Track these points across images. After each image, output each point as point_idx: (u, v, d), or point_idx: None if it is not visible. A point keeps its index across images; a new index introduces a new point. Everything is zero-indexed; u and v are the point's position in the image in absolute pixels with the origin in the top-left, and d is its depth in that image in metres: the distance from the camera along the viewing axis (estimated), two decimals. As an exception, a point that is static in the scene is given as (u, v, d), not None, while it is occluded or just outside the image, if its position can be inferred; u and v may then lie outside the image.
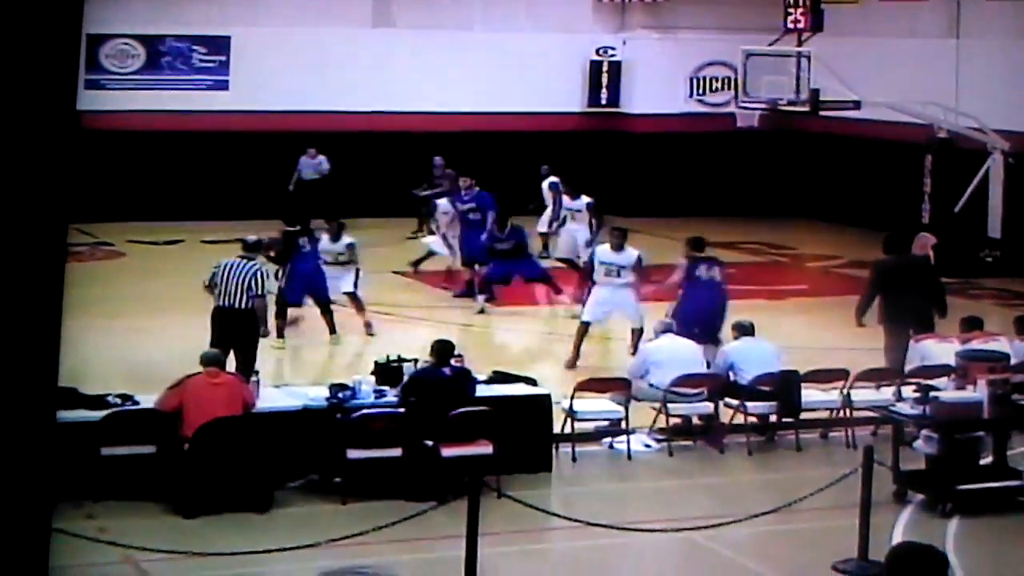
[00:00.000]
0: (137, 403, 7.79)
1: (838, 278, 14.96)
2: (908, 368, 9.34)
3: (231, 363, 8.81)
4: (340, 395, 8.00)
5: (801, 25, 16.19)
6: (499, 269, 13.02)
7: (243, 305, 9.31)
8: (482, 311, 12.88)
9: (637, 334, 10.69)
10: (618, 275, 10.82)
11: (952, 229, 15.26)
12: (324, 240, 11.93)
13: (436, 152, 18.24)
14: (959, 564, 6.82)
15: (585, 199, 14.48)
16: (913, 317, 10.17)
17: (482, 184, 16.82)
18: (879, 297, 10.49)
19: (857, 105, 15.80)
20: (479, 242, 13.40)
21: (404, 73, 18.77)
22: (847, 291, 13.14)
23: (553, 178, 15.77)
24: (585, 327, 10.89)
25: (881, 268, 10.81)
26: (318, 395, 8.07)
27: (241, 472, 7.44)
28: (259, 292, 9.34)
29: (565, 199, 14.61)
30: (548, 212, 15.71)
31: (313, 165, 17.63)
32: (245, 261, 9.46)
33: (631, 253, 10.99)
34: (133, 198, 17.74)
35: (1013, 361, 8.87)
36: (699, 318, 10.17)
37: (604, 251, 11.05)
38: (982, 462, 8.08)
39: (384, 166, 18.25)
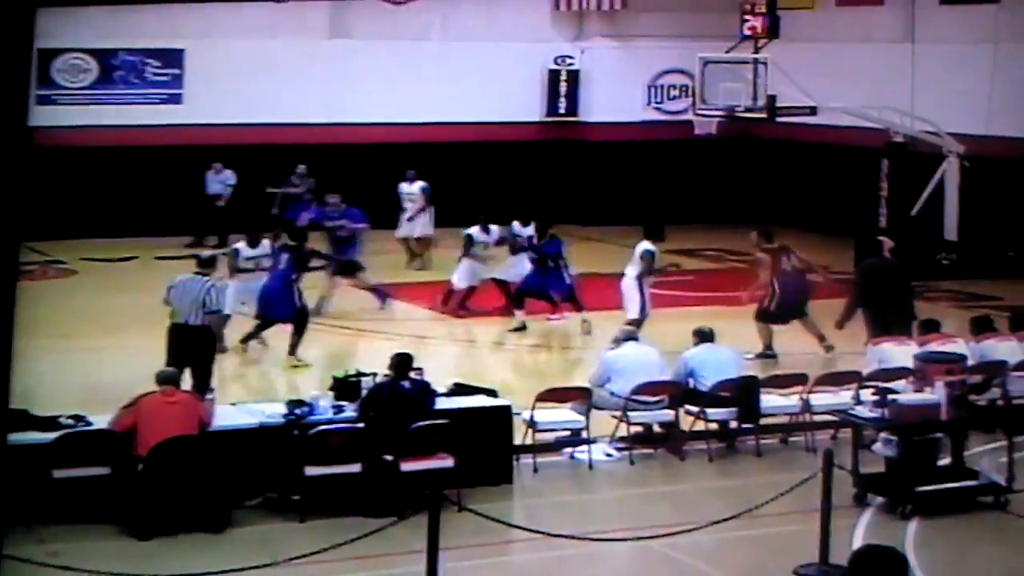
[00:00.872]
0: (90, 424, 7.71)
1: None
2: (866, 371, 9.46)
3: (187, 381, 8.75)
4: (297, 411, 7.97)
5: (757, 32, 16.35)
6: (535, 282, 12.80)
7: (197, 322, 9.25)
8: (523, 327, 12.57)
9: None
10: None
11: (909, 232, 15.47)
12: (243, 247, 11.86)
13: (393, 163, 18.22)
14: (919, 565, 6.90)
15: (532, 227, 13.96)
16: (898, 318, 10.36)
17: (443, 195, 16.85)
18: (864, 300, 10.73)
19: (814, 111, 15.99)
20: (349, 255, 13.32)
21: (362, 84, 18.75)
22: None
23: (422, 182, 15.99)
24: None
25: (867, 271, 11.01)
26: (275, 412, 8.03)
27: (197, 492, 7.39)
28: (214, 308, 9.28)
29: (515, 225, 14.33)
30: (411, 216, 15.74)
31: (219, 180, 17.52)
32: (199, 277, 9.41)
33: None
34: (86, 215, 17.56)
35: (970, 363, 9.01)
36: (795, 304, 11.48)
37: (657, 249, 12.16)
38: (940, 463, 8.19)
39: (342, 178, 18.18)
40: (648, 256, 12.05)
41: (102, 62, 17.89)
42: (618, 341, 9.44)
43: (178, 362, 8.89)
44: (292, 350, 11.21)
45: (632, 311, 11.90)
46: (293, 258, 11.38)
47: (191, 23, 18.14)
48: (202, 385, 8.83)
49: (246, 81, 18.11)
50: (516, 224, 14.25)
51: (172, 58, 18.15)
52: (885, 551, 3.83)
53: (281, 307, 11.21)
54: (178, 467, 7.38)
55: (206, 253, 10.06)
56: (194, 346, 9.23)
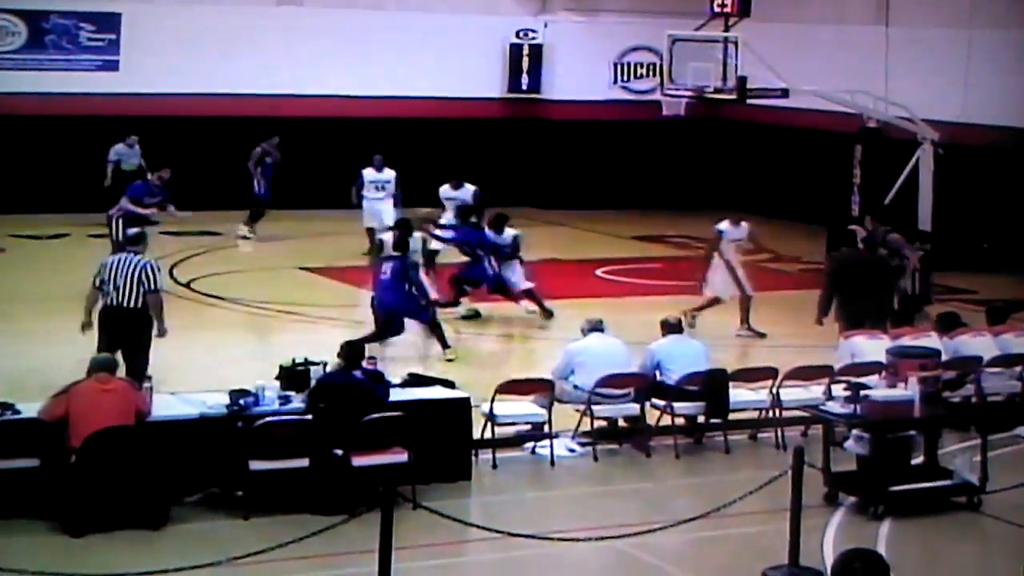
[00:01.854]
0: (19, 412, 7.57)
1: (766, 273, 15.19)
2: (838, 366, 9.53)
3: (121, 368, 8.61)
4: (241, 402, 7.86)
5: (728, 9, 16.37)
6: (476, 272, 12.58)
7: (133, 304, 9.11)
8: (476, 314, 12.45)
9: (749, 301, 12.34)
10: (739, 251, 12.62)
11: (882, 221, 15.62)
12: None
13: (343, 139, 18.09)
14: (891, 567, 6.96)
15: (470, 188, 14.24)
16: (872, 312, 10.43)
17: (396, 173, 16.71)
18: (836, 293, 10.82)
19: (785, 93, 16.06)
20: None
21: (311, 55, 18.57)
22: (775, 286, 13.43)
23: (391, 170, 15.89)
24: (717, 301, 12.40)
25: (839, 263, 11.09)
26: (217, 402, 7.92)
27: (134, 486, 7.27)
28: (152, 287, 9.14)
29: (445, 189, 14.18)
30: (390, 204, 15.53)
31: (134, 154, 17.25)
32: (132, 255, 9.26)
33: (745, 227, 12.67)
34: (13, 189, 17.25)
35: (943, 358, 9.12)
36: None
37: (729, 228, 12.53)
38: (913, 462, 8.28)
39: (289, 154, 18.01)
40: (715, 234, 12.55)
41: (32, 25, 17.54)
42: (583, 332, 9.43)
43: (111, 347, 8.76)
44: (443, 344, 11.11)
45: (722, 293, 12.39)
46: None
47: (129, -15, 17.85)
48: (138, 372, 8.70)
49: (186, 49, 17.85)
50: (446, 187, 14.09)
51: (108, 22, 17.85)
52: (869, 554, 3.91)
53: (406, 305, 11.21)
54: (113, 459, 7.26)
55: (133, 230, 9.96)
56: (129, 329, 9.07)
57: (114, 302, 9.14)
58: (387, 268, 11.17)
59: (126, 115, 17.60)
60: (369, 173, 15.65)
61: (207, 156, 17.66)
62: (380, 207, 15.35)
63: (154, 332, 9.21)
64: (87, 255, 12.48)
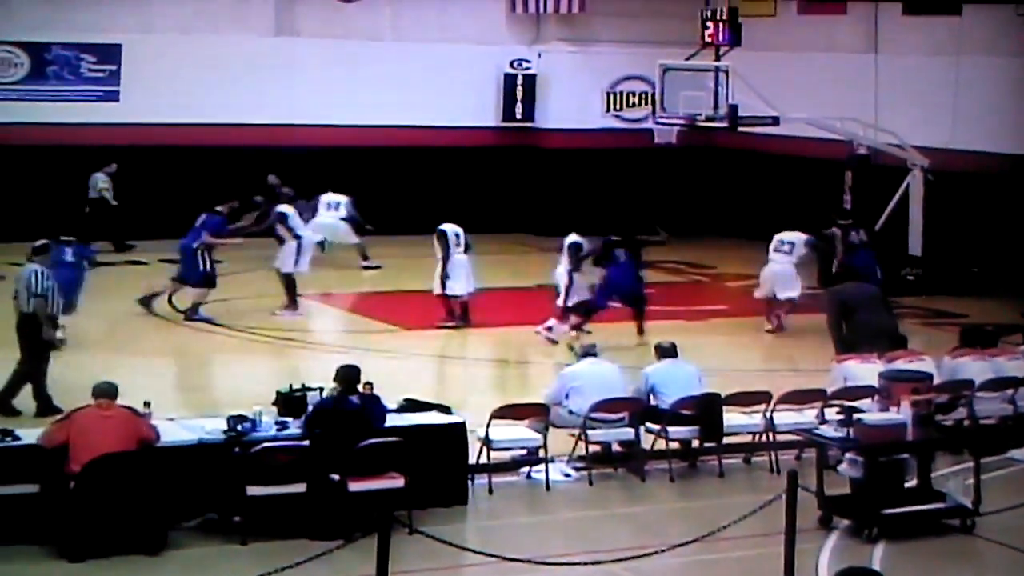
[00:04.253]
0: (19, 439, 7.55)
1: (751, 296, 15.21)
2: (831, 389, 9.53)
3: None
4: (239, 427, 7.84)
5: (719, 39, 16.48)
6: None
7: (26, 308, 9.82)
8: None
9: (791, 304, 13.29)
10: (789, 252, 13.59)
11: (873, 247, 15.66)
12: None
13: (342, 167, 18.12)
14: (886, 590, 6.94)
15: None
16: (874, 339, 10.41)
17: (390, 202, 16.75)
18: (841, 323, 10.86)
19: (776, 121, 16.16)
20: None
21: (309, 85, 18.63)
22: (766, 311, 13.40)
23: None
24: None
25: (842, 299, 11.12)
26: (215, 427, 7.90)
27: (132, 511, 7.25)
28: (37, 291, 9.81)
29: None
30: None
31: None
32: (30, 265, 10.00)
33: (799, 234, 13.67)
34: (14, 217, 17.23)
35: (937, 380, 9.12)
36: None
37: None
38: (907, 485, 8.26)
39: (286, 183, 18.02)
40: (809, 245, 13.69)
41: (35, 56, 17.60)
42: (577, 356, 9.42)
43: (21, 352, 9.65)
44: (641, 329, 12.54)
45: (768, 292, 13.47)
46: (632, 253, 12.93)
47: (129, 16, 17.91)
48: (29, 375, 9.57)
49: (186, 79, 17.91)
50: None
51: (109, 53, 17.91)
52: (866, 573, 3.90)
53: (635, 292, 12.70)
54: (112, 485, 7.23)
55: (40, 241, 10.47)
56: (23, 334, 9.79)
57: (19, 309, 9.92)
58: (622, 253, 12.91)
59: (126, 144, 17.63)
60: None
61: (205, 185, 17.65)
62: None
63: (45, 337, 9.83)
64: (87, 282, 12.44)
